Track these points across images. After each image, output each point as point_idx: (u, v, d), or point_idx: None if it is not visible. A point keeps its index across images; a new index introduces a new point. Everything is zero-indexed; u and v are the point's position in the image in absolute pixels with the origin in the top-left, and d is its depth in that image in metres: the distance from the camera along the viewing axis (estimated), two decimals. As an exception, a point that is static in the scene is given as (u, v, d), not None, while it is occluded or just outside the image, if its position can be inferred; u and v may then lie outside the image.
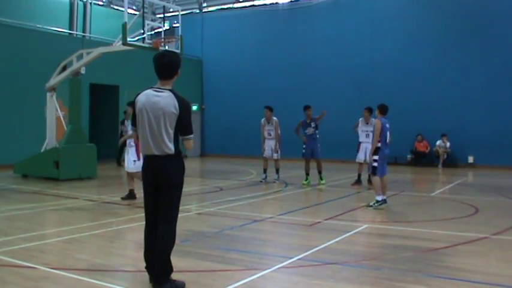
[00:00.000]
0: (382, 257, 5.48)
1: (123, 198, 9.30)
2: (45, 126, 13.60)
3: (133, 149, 9.05)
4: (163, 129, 4.10)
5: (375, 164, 8.71)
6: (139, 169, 8.66)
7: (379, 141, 8.64)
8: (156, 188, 4.22)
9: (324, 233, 6.69)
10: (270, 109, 12.54)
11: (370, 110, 12.02)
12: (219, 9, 23.71)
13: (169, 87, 4.20)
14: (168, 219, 4.20)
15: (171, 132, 4.12)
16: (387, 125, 8.75)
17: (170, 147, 4.12)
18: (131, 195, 9.30)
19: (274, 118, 12.52)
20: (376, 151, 8.68)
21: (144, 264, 4.44)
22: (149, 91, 4.20)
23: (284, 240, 6.52)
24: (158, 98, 4.11)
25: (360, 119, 12.17)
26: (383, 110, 8.89)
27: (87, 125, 17.15)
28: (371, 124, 12.05)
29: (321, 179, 12.12)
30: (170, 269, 4.21)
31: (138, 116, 4.21)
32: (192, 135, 4.23)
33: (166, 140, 4.11)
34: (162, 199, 4.20)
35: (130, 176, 9.32)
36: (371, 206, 8.66)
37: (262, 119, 12.68)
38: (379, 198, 8.63)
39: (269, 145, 12.54)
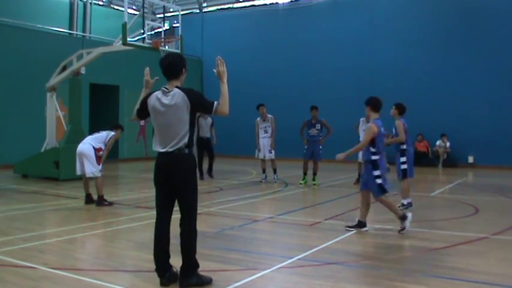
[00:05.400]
0: (382, 257, 5.47)
1: (98, 205, 8.76)
2: (45, 126, 13.59)
3: (95, 154, 8.67)
4: (176, 126, 4.24)
5: (404, 167, 8.27)
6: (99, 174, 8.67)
7: (403, 143, 8.28)
8: (169, 186, 4.30)
9: (324, 233, 6.69)
10: (264, 106, 12.59)
11: None
12: (219, 9, 23.72)
13: (177, 85, 4.36)
14: (190, 215, 4.33)
15: (185, 128, 4.25)
16: (406, 125, 8.37)
17: (185, 142, 4.25)
18: (92, 200, 8.91)
19: (270, 115, 12.56)
20: (403, 152, 8.31)
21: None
22: (158, 92, 4.35)
23: (284, 240, 6.52)
24: (168, 97, 4.26)
25: (361, 118, 12.15)
26: (402, 109, 8.40)
27: (87, 125, 17.15)
28: None
29: (314, 180, 12.10)
30: (196, 265, 4.33)
31: (151, 117, 4.38)
32: (216, 103, 4.34)
33: (180, 136, 4.24)
34: (180, 197, 4.32)
35: (88, 180, 8.89)
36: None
37: (258, 118, 12.70)
38: (405, 201, 8.35)
39: (264, 145, 12.52)
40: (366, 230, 6.79)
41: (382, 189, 6.68)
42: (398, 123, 8.34)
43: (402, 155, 8.36)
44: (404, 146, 8.35)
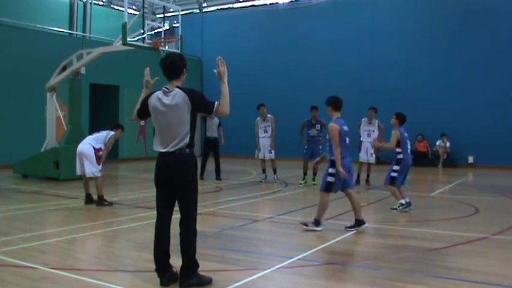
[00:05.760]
0: (382, 257, 5.47)
1: (98, 205, 8.74)
2: (45, 126, 13.59)
3: (95, 154, 8.66)
4: (177, 126, 4.24)
5: (394, 175, 8.33)
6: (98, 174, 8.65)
7: (400, 152, 8.31)
8: (169, 186, 4.31)
9: (324, 233, 6.69)
10: (265, 106, 12.59)
11: (375, 110, 12.03)
12: (219, 9, 23.71)
13: (178, 85, 4.35)
14: (190, 215, 4.33)
15: (186, 128, 4.26)
16: (405, 134, 8.40)
17: (186, 142, 4.25)
18: (92, 200, 8.91)
19: (270, 115, 12.58)
20: (398, 162, 8.35)
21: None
22: (159, 92, 4.35)
23: (284, 240, 6.52)
24: (169, 97, 4.26)
25: (363, 118, 12.18)
26: (402, 119, 8.39)
27: (87, 125, 17.15)
28: (374, 124, 12.09)
29: (313, 180, 12.11)
30: (196, 265, 4.34)
31: (152, 117, 4.37)
32: (216, 104, 4.34)
33: (181, 136, 4.25)
34: (180, 197, 4.33)
35: (88, 180, 8.87)
36: (395, 208, 8.38)
37: (258, 118, 12.72)
38: (403, 201, 8.37)
39: (263, 144, 12.54)
40: (366, 227, 6.80)
41: (327, 187, 6.75)
42: (395, 132, 8.40)
43: (397, 164, 8.43)
44: (401, 156, 8.37)
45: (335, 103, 6.88)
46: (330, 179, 6.70)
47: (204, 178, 12.87)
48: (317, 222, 6.74)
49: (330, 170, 6.70)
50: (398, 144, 8.38)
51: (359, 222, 6.82)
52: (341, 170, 6.56)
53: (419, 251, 5.76)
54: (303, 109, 13.95)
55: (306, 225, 6.78)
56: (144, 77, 4.64)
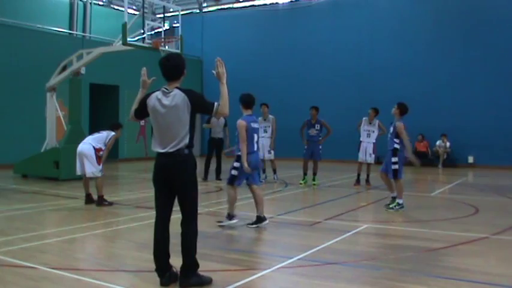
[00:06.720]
0: (382, 257, 5.47)
1: (98, 205, 8.75)
2: (45, 126, 13.59)
3: (95, 154, 8.67)
4: (176, 127, 4.23)
5: (395, 167, 8.32)
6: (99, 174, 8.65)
7: (398, 143, 8.31)
8: (169, 186, 4.30)
9: (324, 233, 6.69)
10: (267, 106, 12.55)
11: (376, 111, 12.01)
12: (219, 9, 23.71)
13: (177, 86, 4.34)
14: (191, 216, 4.33)
15: (186, 128, 4.25)
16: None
17: (185, 143, 4.25)
18: (92, 200, 8.91)
19: (271, 116, 12.53)
20: (395, 152, 8.35)
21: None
22: (158, 93, 4.33)
23: (284, 240, 6.52)
24: (168, 98, 4.25)
25: (364, 118, 12.16)
26: (404, 110, 8.39)
27: (87, 125, 17.15)
28: (374, 124, 12.07)
29: (314, 179, 12.09)
30: (196, 265, 4.34)
31: (151, 117, 4.35)
32: (216, 104, 4.34)
33: (180, 137, 4.24)
34: (181, 197, 4.32)
35: (88, 180, 8.89)
36: (391, 208, 8.38)
37: (259, 118, 12.68)
38: (401, 201, 8.36)
39: (263, 145, 12.48)
40: (266, 223, 6.99)
41: (231, 180, 6.99)
42: (399, 125, 8.32)
43: (394, 155, 8.39)
44: (398, 146, 8.37)
45: (244, 101, 7.10)
46: (233, 172, 6.97)
47: (208, 179, 12.75)
48: (230, 216, 6.99)
49: (235, 164, 6.96)
50: (397, 135, 8.35)
51: (260, 219, 7.00)
52: (245, 165, 6.72)
53: (419, 251, 5.76)
54: (303, 109, 13.95)
55: (220, 221, 7.03)
56: (141, 77, 4.63)
